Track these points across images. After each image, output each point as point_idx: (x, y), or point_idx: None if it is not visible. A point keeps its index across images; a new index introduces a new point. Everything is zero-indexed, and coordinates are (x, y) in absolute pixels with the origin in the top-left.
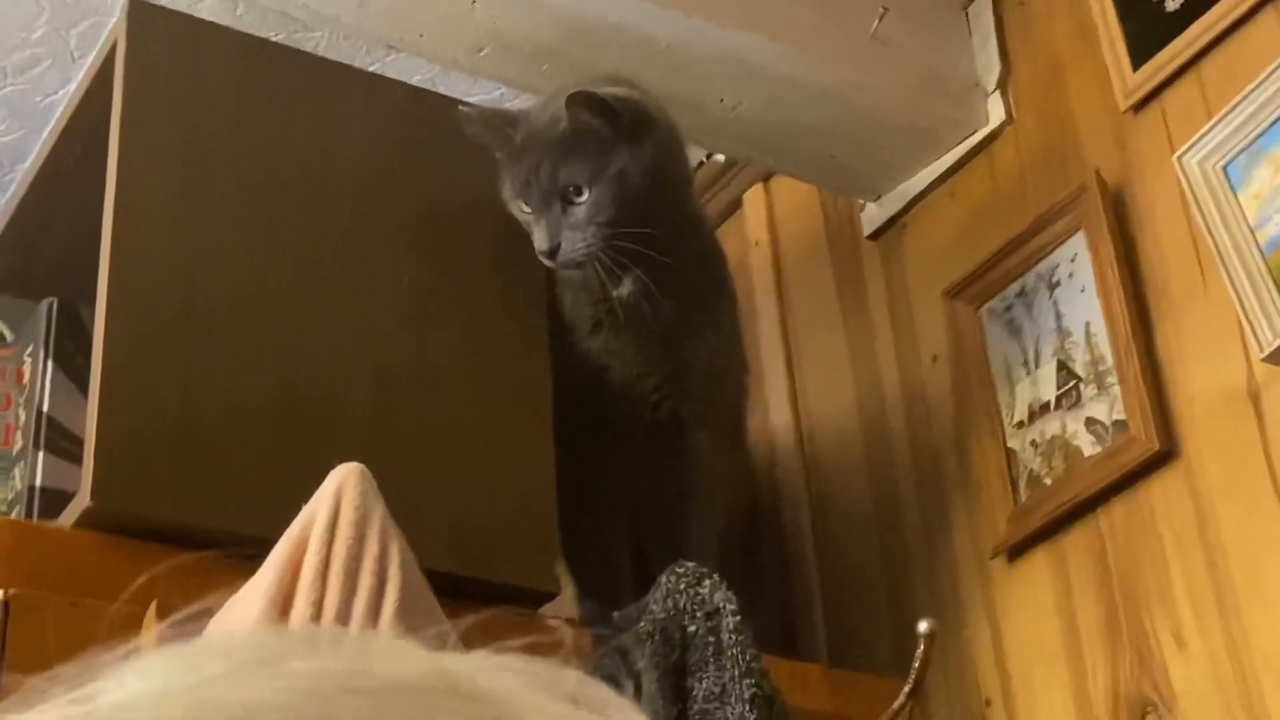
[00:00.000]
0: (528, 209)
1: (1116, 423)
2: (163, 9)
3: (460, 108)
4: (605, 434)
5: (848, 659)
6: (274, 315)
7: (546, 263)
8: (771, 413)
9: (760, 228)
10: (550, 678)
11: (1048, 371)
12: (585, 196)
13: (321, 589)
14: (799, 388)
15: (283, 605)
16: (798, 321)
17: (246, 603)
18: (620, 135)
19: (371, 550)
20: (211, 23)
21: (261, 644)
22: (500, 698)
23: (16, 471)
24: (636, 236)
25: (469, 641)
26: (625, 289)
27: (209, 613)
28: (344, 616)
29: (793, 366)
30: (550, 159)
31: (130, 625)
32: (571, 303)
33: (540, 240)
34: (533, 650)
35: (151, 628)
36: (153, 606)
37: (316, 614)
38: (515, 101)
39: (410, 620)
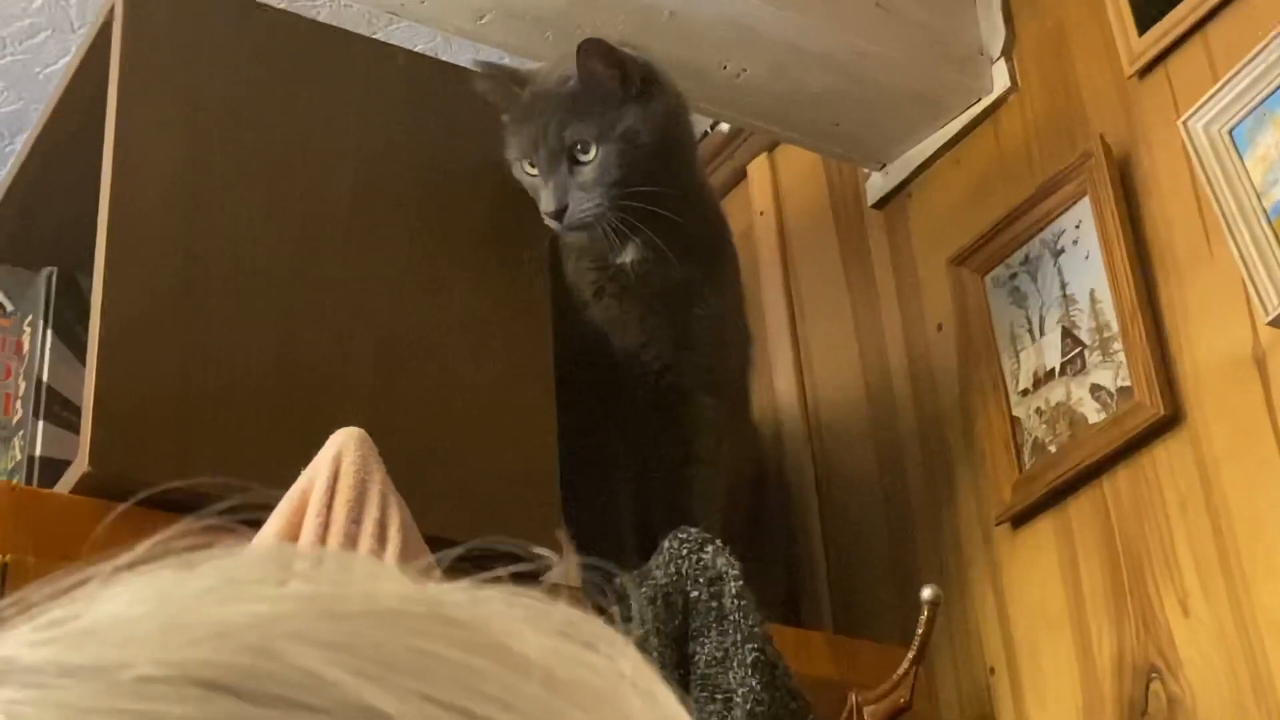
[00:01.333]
0: (533, 170)
1: (1121, 389)
2: None
3: (473, 64)
4: (608, 400)
5: (852, 626)
6: (274, 281)
7: (552, 224)
8: (777, 381)
9: (765, 197)
10: (539, 608)
11: (1052, 339)
12: (592, 155)
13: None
14: (804, 356)
15: None
16: (803, 290)
17: None
18: (628, 94)
19: (371, 513)
20: None
21: (236, 567)
22: (486, 625)
23: (16, 441)
24: (644, 198)
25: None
26: (630, 255)
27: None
28: None
29: (798, 335)
30: (558, 117)
31: None
32: (574, 269)
33: (547, 201)
34: (520, 580)
35: None
36: None
37: None
38: None
39: None
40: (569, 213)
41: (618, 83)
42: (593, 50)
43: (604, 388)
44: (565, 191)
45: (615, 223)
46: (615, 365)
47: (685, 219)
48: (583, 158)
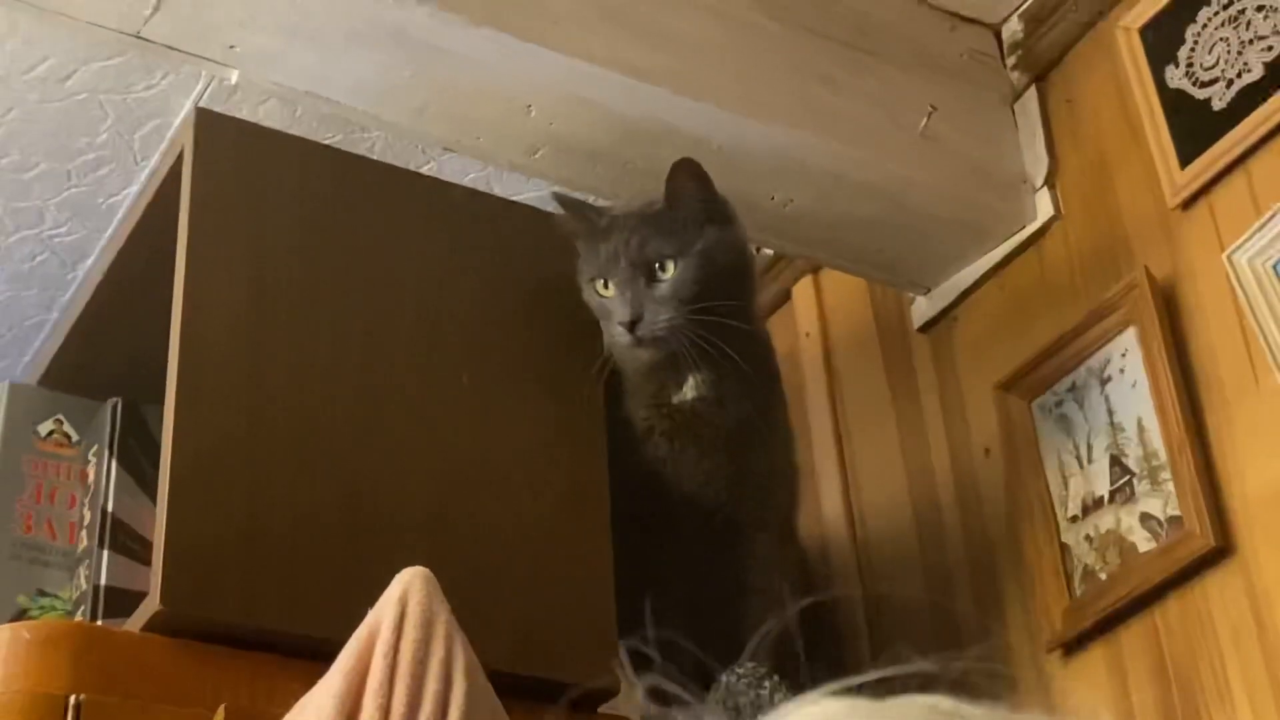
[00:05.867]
0: (608, 289)
1: (1171, 518)
2: (229, 117)
3: (551, 195)
4: (662, 534)
5: None
6: (338, 417)
7: (624, 338)
8: (824, 505)
9: (810, 319)
10: None
11: (1100, 466)
12: (670, 271)
13: (389, 693)
14: (851, 479)
15: (351, 709)
16: (849, 413)
17: (315, 706)
18: (710, 216)
19: (437, 653)
20: (275, 130)
21: None
22: None
23: (82, 570)
24: (713, 324)
25: None
26: (690, 393)
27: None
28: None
29: (844, 458)
30: (641, 233)
31: None
32: (629, 405)
33: (622, 312)
34: None
35: None
36: (221, 710)
37: (384, 718)
38: None
39: None
40: (643, 324)
41: (701, 205)
42: (687, 168)
43: (658, 523)
44: (641, 304)
45: (686, 343)
46: (670, 502)
47: (745, 356)
48: (661, 274)
